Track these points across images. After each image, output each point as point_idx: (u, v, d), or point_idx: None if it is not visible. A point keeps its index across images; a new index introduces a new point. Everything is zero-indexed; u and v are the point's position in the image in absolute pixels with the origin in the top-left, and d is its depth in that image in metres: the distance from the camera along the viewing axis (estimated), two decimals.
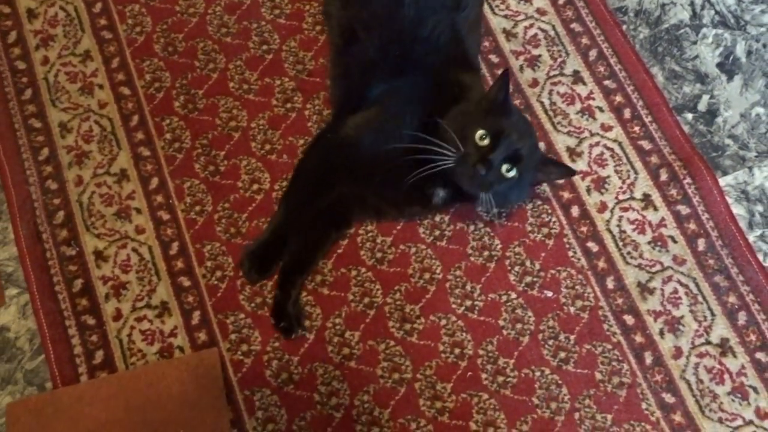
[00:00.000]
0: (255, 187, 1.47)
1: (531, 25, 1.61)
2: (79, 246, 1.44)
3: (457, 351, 1.37)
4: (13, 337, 1.39)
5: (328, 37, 1.58)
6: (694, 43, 1.59)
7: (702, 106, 1.55)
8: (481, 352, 1.37)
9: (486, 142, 1.21)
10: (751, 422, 1.33)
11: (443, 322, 1.38)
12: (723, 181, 1.48)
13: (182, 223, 1.46)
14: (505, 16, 1.62)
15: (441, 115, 1.28)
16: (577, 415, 1.33)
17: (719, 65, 1.58)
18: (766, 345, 1.37)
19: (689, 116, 1.54)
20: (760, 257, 1.43)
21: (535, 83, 1.56)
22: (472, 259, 1.43)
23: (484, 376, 1.35)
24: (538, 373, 1.35)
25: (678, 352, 1.37)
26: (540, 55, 1.58)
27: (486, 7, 1.62)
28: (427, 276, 1.42)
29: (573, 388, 1.34)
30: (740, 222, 1.45)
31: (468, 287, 1.41)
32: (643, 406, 1.33)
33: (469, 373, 1.35)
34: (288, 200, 1.42)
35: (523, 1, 1.63)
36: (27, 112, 1.54)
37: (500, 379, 1.35)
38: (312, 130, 1.52)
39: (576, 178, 1.48)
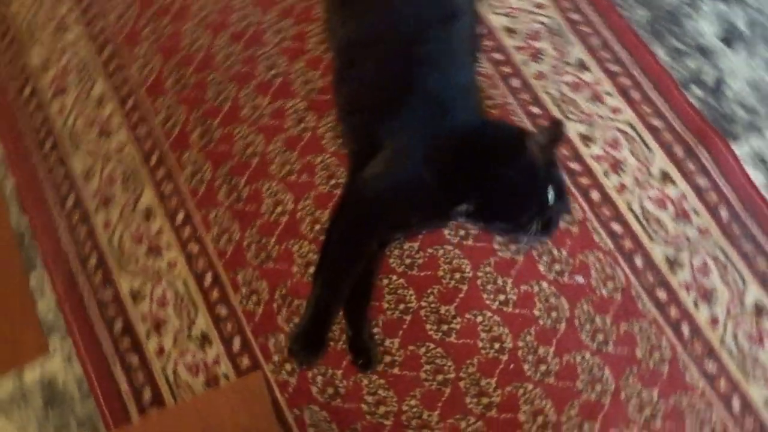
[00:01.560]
0: (279, 209, 1.49)
1: (531, 20, 1.64)
2: (114, 287, 1.47)
3: (496, 345, 1.38)
4: (61, 383, 1.41)
5: (331, 63, 1.59)
6: (694, 19, 1.61)
7: (708, 79, 1.56)
8: (520, 343, 1.38)
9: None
10: None
11: (479, 318, 1.40)
12: (738, 149, 1.50)
13: (212, 252, 1.48)
14: (506, 14, 1.65)
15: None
16: (623, 395, 1.34)
17: (720, 38, 1.59)
18: None
19: (697, 90, 1.55)
20: None
21: (540, 76, 1.58)
22: (499, 254, 1.44)
23: (526, 366, 1.37)
24: (579, 358, 1.37)
25: (714, 322, 1.38)
26: (543, 48, 1.61)
27: (485, 7, 1.65)
28: (457, 276, 1.43)
29: (615, 368, 1.36)
30: (760, 187, 1.46)
31: (499, 282, 1.42)
32: (687, 377, 1.34)
33: (512, 366, 1.37)
34: (324, 276, 1.37)
35: None
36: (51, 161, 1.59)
37: (542, 368, 1.36)
38: (327, 147, 1.54)
39: (592, 162, 1.50)
